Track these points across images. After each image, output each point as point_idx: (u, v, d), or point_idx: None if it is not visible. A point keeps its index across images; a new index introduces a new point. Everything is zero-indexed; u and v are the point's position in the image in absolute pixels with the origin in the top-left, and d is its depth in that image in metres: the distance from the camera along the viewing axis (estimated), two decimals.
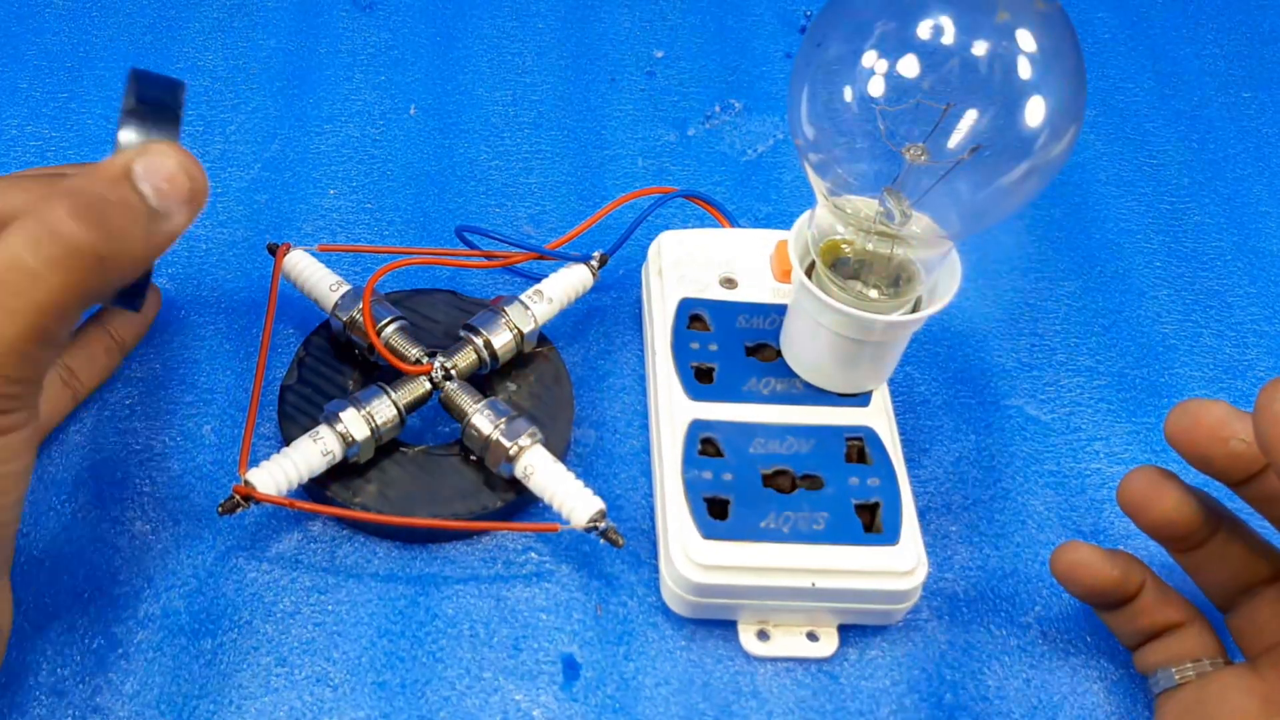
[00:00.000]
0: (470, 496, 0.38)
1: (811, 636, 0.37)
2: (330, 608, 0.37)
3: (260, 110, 0.51)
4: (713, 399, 0.39)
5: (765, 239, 0.43)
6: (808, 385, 0.39)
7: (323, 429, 0.37)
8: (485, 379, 0.41)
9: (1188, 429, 0.32)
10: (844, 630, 0.37)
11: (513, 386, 0.41)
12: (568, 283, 0.42)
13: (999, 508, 0.41)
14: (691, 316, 0.41)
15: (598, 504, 0.36)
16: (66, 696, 0.34)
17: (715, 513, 0.36)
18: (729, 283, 0.42)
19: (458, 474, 0.38)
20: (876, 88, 0.35)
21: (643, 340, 0.44)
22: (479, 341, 0.40)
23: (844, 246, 0.37)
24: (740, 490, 0.37)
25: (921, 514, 0.40)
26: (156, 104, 0.31)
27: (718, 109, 0.53)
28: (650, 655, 0.37)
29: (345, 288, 0.40)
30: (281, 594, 0.37)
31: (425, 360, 0.39)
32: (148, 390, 0.41)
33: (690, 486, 0.36)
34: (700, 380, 0.39)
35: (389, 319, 0.40)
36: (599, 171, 0.50)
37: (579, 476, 0.37)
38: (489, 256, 0.43)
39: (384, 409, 0.37)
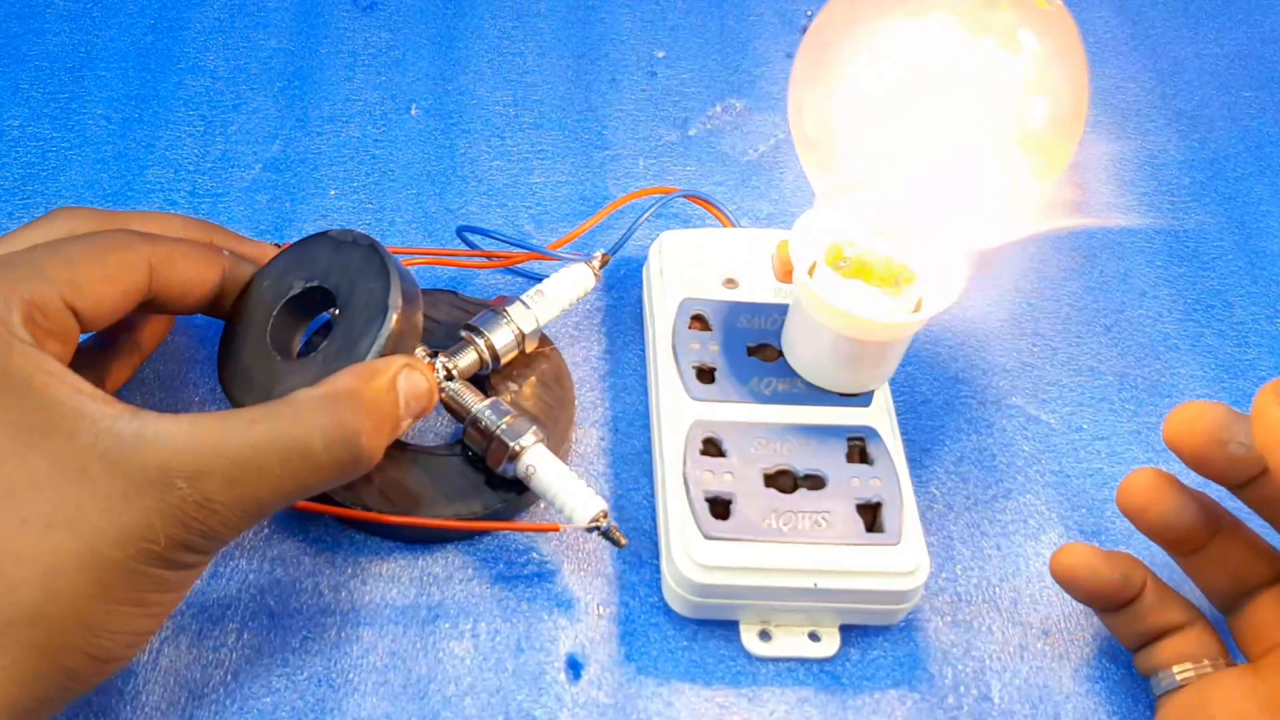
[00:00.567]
0: (472, 496, 0.38)
1: (813, 637, 0.37)
2: (332, 608, 0.37)
3: (261, 110, 0.51)
4: (714, 399, 0.39)
5: (766, 239, 0.43)
6: (809, 385, 0.39)
7: None
8: (487, 379, 0.41)
9: (1186, 432, 0.32)
10: (846, 630, 0.37)
11: (514, 386, 0.41)
12: (569, 283, 0.42)
13: (1000, 507, 0.41)
14: (693, 316, 0.41)
15: (599, 504, 0.36)
16: None
17: (717, 513, 0.36)
18: (730, 283, 0.42)
19: (459, 474, 0.38)
20: (878, 87, 0.35)
21: (644, 340, 0.44)
22: (480, 342, 0.40)
23: (845, 246, 0.37)
24: (742, 490, 0.37)
25: (923, 514, 0.40)
26: (413, 305, 0.35)
27: (719, 109, 0.53)
28: (652, 655, 0.37)
29: None
30: (283, 594, 0.37)
31: (427, 360, 0.39)
32: (151, 392, 0.41)
33: (692, 486, 0.36)
34: (702, 380, 0.39)
35: None
36: (600, 172, 0.50)
37: (581, 476, 0.37)
38: (490, 257, 0.43)
39: None
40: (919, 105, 0.35)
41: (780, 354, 0.40)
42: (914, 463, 0.41)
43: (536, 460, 0.37)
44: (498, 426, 0.37)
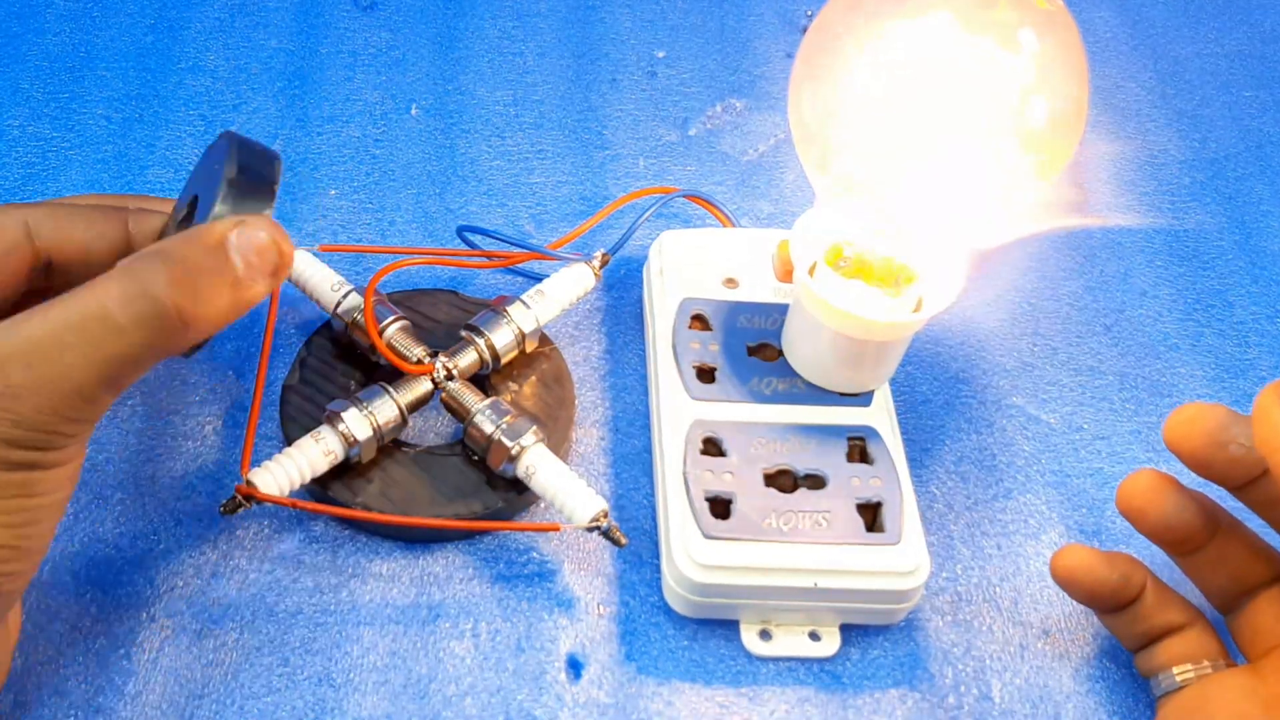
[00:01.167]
0: (472, 496, 0.38)
1: (814, 636, 0.37)
2: (332, 608, 0.37)
3: (261, 110, 0.51)
4: (714, 399, 0.39)
5: (767, 239, 0.43)
6: (809, 385, 0.39)
7: (324, 429, 0.37)
8: (487, 379, 0.41)
9: (1186, 434, 0.32)
10: (846, 630, 0.37)
11: (514, 386, 0.41)
12: (569, 283, 0.42)
13: (1000, 507, 0.41)
14: (693, 316, 0.41)
15: (600, 504, 0.36)
16: (68, 697, 0.34)
17: (717, 512, 0.36)
18: (730, 282, 0.42)
19: (460, 474, 0.38)
20: (878, 87, 0.35)
21: (644, 340, 0.44)
22: (481, 341, 0.40)
23: (845, 246, 0.37)
24: (742, 490, 0.37)
25: (923, 514, 0.40)
26: (256, 175, 0.33)
27: (719, 109, 0.53)
28: (652, 655, 0.37)
29: (347, 288, 0.40)
30: (283, 594, 0.37)
31: (427, 360, 0.39)
32: (149, 390, 0.41)
33: (692, 486, 0.36)
34: (702, 380, 0.39)
35: (391, 319, 0.40)
36: (600, 171, 0.50)
37: (581, 476, 0.37)
38: (490, 256, 0.43)
39: (386, 409, 0.37)
40: (919, 105, 0.35)
41: (780, 354, 0.40)
42: (914, 463, 0.41)
43: (536, 460, 0.37)
44: (498, 426, 0.37)
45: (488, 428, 0.37)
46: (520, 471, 0.37)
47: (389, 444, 0.38)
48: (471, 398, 0.38)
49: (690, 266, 0.42)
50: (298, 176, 0.48)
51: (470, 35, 0.55)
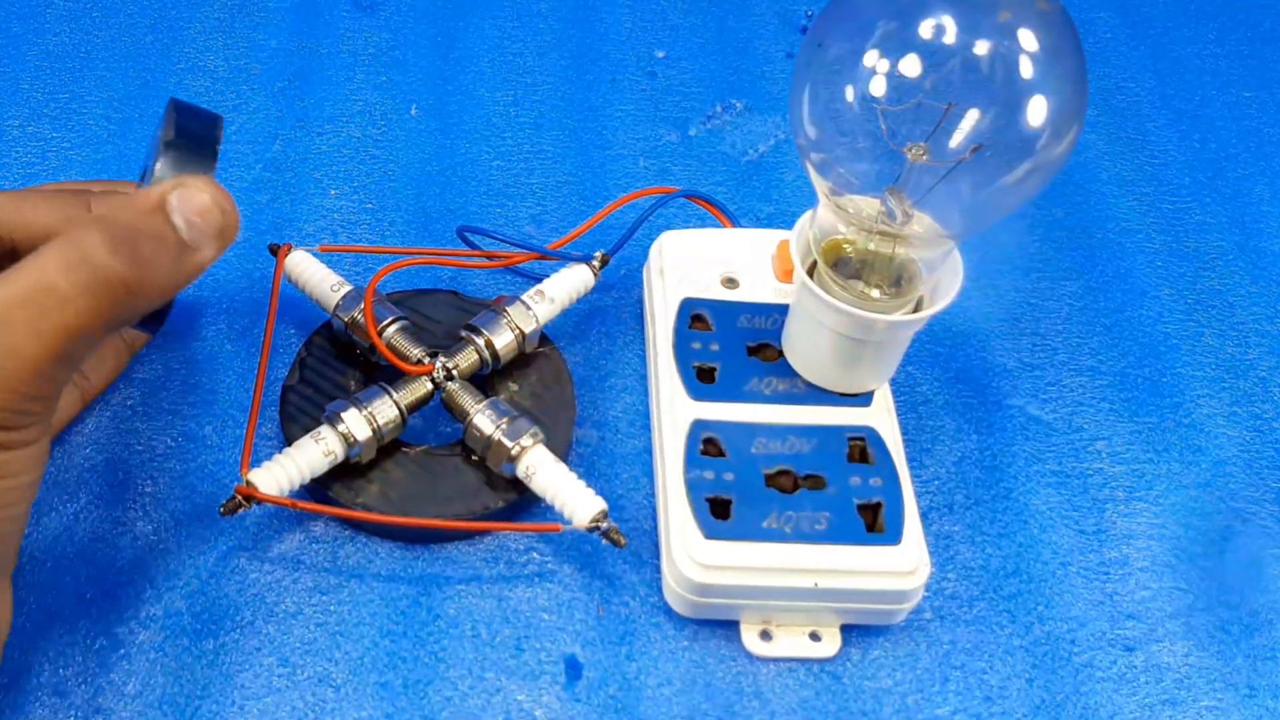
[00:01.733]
0: (472, 497, 0.38)
1: (814, 636, 0.37)
2: (332, 608, 0.37)
3: (261, 110, 0.51)
4: (714, 399, 0.39)
5: (767, 239, 0.43)
6: (809, 385, 0.39)
7: (324, 429, 0.37)
8: (487, 379, 0.41)
9: None
10: (846, 630, 0.37)
11: (514, 387, 0.41)
12: (569, 283, 0.42)
13: (1001, 507, 0.41)
14: (693, 316, 0.41)
15: (600, 504, 0.36)
16: (68, 697, 0.34)
17: (717, 513, 0.36)
18: (730, 283, 0.42)
19: (459, 474, 0.38)
20: (878, 87, 0.35)
21: (644, 340, 0.44)
22: (480, 341, 0.40)
23: (846, 246, 0.37)
24: (742, 490, 0.37)
25: (924, 514, 0.40)
26: (195, 137, 0.32)
27: (719, 109, 0.53)
28: (653, 655, 0.37)
29: (347, 288, 0.40)
30: (283, 594, 0.37)
31: (427, 360, 0.39)
32: (150, 391, 0.41)
33: (692, 486, 0.36)
34: (702, 380, 0.39)
35: (390, 319, 0.40)
36: (600, 171, 0.50)
37: (581, 477, 0.37)
38: (490, 257, 0.43)
39: (386, 409, 0.37)
40: (919, 105, 0.35)
41: (780, 354, 0.40)
42: (914, 462, 0.41)
43: (536, 460, 0.37)
44: (498, 426, 0.37)
45: (487, 428, 0.37)
46: (520, 472, 0.37)
47: (389, 444, 0.38)
48: (471, 398, 0.38)
49: (690, 266, 0.42)
50: (298, 176, 0.48)
51: (470, 35, 0.55)
